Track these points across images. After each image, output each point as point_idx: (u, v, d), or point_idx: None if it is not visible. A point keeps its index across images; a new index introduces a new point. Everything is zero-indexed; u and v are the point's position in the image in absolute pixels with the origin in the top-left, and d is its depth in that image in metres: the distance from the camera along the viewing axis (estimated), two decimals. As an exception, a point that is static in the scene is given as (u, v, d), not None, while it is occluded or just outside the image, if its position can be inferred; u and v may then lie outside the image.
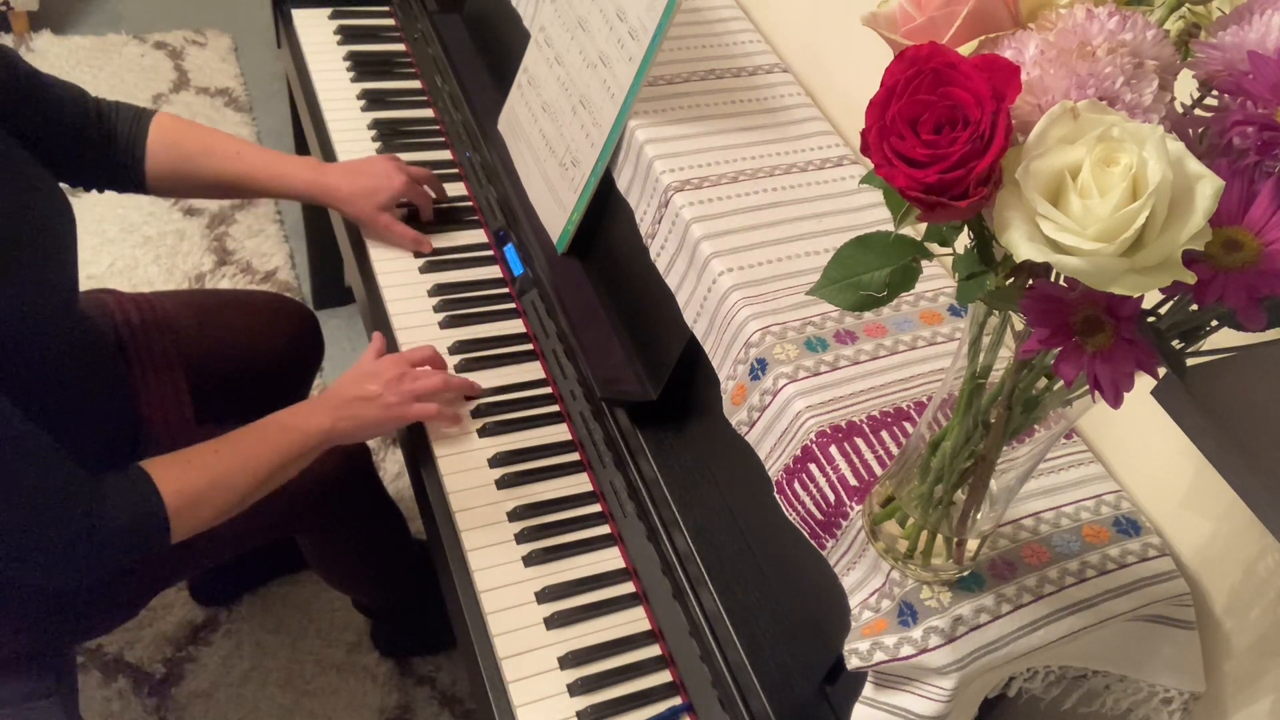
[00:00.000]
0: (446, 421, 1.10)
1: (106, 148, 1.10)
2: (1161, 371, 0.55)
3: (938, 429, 0.69)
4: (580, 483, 1.09)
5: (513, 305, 1.24)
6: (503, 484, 1.07)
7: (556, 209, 1.19)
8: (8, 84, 0.97)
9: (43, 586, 0.98)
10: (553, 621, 0.97)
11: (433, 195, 1.30)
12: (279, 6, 1.58)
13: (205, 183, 1.17)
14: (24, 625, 1.00)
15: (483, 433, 1.11)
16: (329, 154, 1.38)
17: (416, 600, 1.50)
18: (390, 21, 1.59)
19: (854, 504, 0.81)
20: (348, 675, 1.53)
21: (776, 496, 0.87)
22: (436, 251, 1.28)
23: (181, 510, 0.92)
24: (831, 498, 0.82)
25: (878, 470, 0.82)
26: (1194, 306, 0.52)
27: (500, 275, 1.27)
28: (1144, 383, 0.53)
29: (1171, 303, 0.53)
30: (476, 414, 1.12)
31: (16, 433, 0.83)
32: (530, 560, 1.01)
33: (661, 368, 1.05)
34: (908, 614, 0.76)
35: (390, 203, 1.24)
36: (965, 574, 0.77)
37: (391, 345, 1.17)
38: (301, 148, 1.76)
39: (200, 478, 0.94)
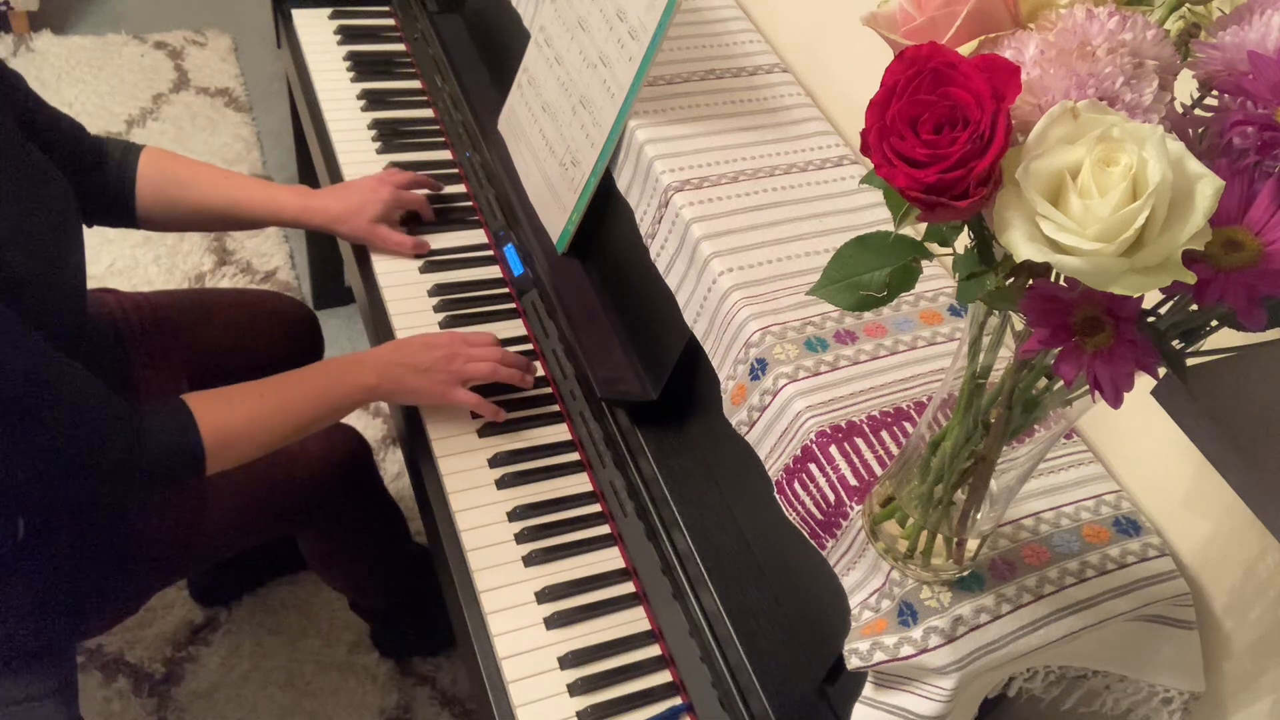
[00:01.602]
0: (488, 413, 1.11)
1: (98, 179, 1.10)
2: (1161, 371, 0.55)
3: (938, 429, 0.69)
4: (580, 483, 1.09)
5: (513, 305, 1.24)
6: (503, 484, 1.07)
7: (556, 209, 1.19)
8: (12, 95, 0.98)
9: (53, 548, 1.00)
10: (553, 621, 0.97)
11: (425, 194, 1.30)
12: (279, 6, 1.58)
13: (194, 210, 1.16)
14: (26, 623, 1.00)
15: (483, 433, 1.11)
16: (329, 154, 1.38)
17: (416, 600, 1.50)
18: (390, 21, 1.59)
19: (854, 504, 0.81)
20: (348, 675, 1.53)
21: (776, 496, 0.87)
22: (436, 252, 1.28)
23: (218, 443, 0.94)
24: (831, 498, 0.82)
25: (878, 470, 0.82)
26: (1194, 306, 0.52)
27: (500, 275, 1.27)
28: (1144, 383, 0.53)
29: (1171, 303, 0.53)
30: (476, 414, 1.12)
31: (60, 360, 0.86)
32: (530, 560, 1.01)
33: (661, 368, 1.05)
34: (908, 614, 0.76)
35: (382, 215, 1.24)
36: (965, 574, 0.77)
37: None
38: (301, 148, 1.76)
39: (240, 417, 0.97)
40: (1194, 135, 0.50)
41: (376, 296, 1.23)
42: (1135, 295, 0.46)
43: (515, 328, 1.22)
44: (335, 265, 1.94)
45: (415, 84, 1.50)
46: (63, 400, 0.86)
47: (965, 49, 0.52)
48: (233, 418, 0.96)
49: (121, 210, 1.13)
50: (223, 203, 1.17)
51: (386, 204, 1.24)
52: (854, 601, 0.80)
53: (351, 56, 1.51)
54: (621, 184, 1.11)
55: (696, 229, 0.99)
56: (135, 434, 0.90)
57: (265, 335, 1.32)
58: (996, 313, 0.59)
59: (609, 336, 1.12)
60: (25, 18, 2.41)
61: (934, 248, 0.59)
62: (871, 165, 0.51)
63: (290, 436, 1.01)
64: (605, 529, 1.05)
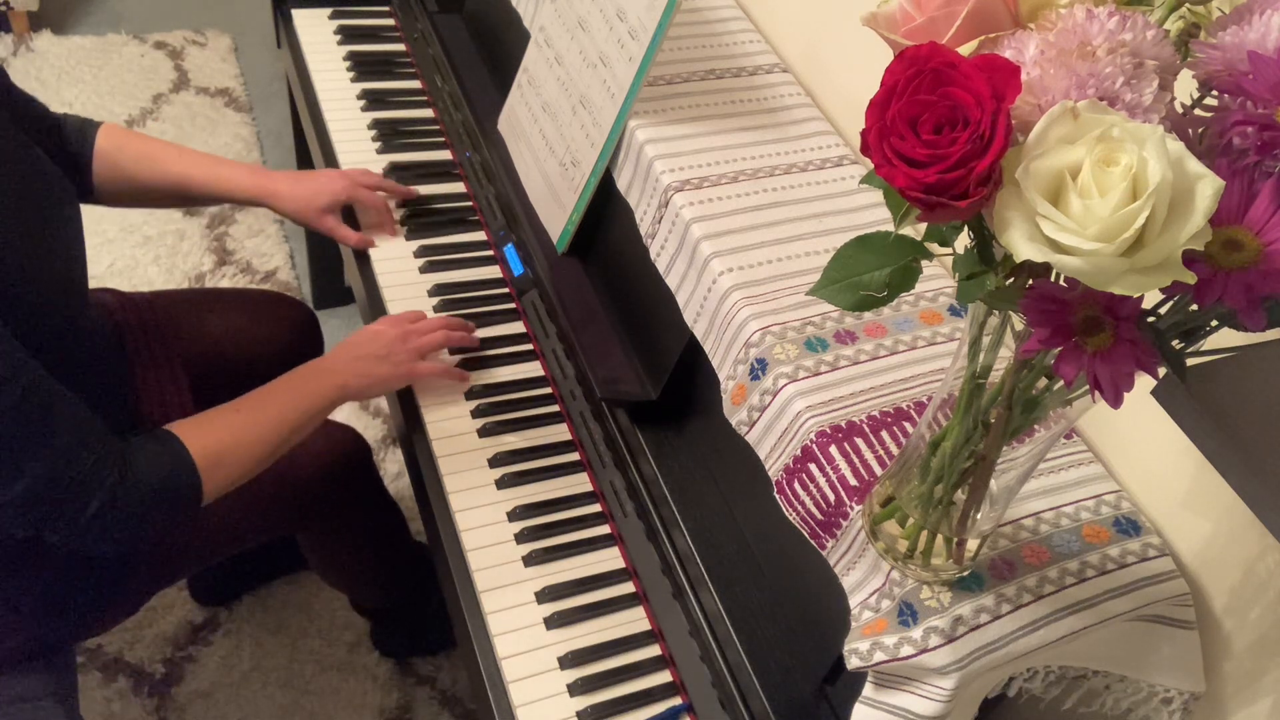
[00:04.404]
0: (454, 378, 1.13)
1: (57, 157, 1.09)
2: (1161, 371, 0.55)
3: (938, 429, 0.69)
4: (580, 483, 1.09)
5: (513, 305, 1.24)
6: (503, 484, 1.07)
7: (556, 209, 1.19)
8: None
9: (77, 554, 0.99)
10: (553, 621, 0.97)
11: (386, 199, 1.29)
12: (279, 6, 1.58)
13: (147, 187, 1.17)
14: (25, 623, 1.00)
15: (483, 433, 1.11)
16: (329, 154, 1.38)
17: (416, 600, 1.50)
18: (390, 21, 1.59)
19: (854, 504, 0.81)
20: (348, 675, 1.53)
21: (776, 496, 0.87)
22: (437, 251, 1.28)
23: (209, 470, 0.94)
24: (831, 498, 0.82)
25: (878, 470, 0.82)
26: (1194, 306, 0.52)
27: (500, 275, 1.27)
28: (1144, 383, 0.53)
29: (1171, 303, 0.53)
30: (477, 414, 1.12)
31: (53, 393, 0.85)
32: (530, 560, 1.01)
33: (661, 368, 1.05)
34: (908, 614, 0.76)
35: (332, 205, 1.24)
36: (965, 574, 0.77)
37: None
38: (301, 148, 1.76)
39: (224, 438, 0.96)
40: (1194, 135, 0.50)
41: (376, 296, 1.23)
42: (1135, 295, 0.46)
43: (515, 328, 1.22)
44: (335, 265, 1.94)
45: (415, 84, 1.50)
46: (58, 431, 0.84)
47: (965, 49, 0.52)
48: (216, 435, 0.96)
49: (78, 187, 1.12)
50: (175, 178, 1.17)
51: (338, 195, 1.24)
52: (854, 601, 0.80)
53: (351, 56, 1.51)
54: (621, 184, 1.11)
55: (696, 229, 0.99)
56: (122, 479, 0.88)
57: (265, 335, 1.32)
58: (996, 313, 0.59)
59: (609, 336, 1.12)
60: (25, 18, 2.41)
61: (934, 248, 0.59)
62: (871, 165, 0.51)
63: (277, 449, 1.01)
64: (605, 529, 1.05)
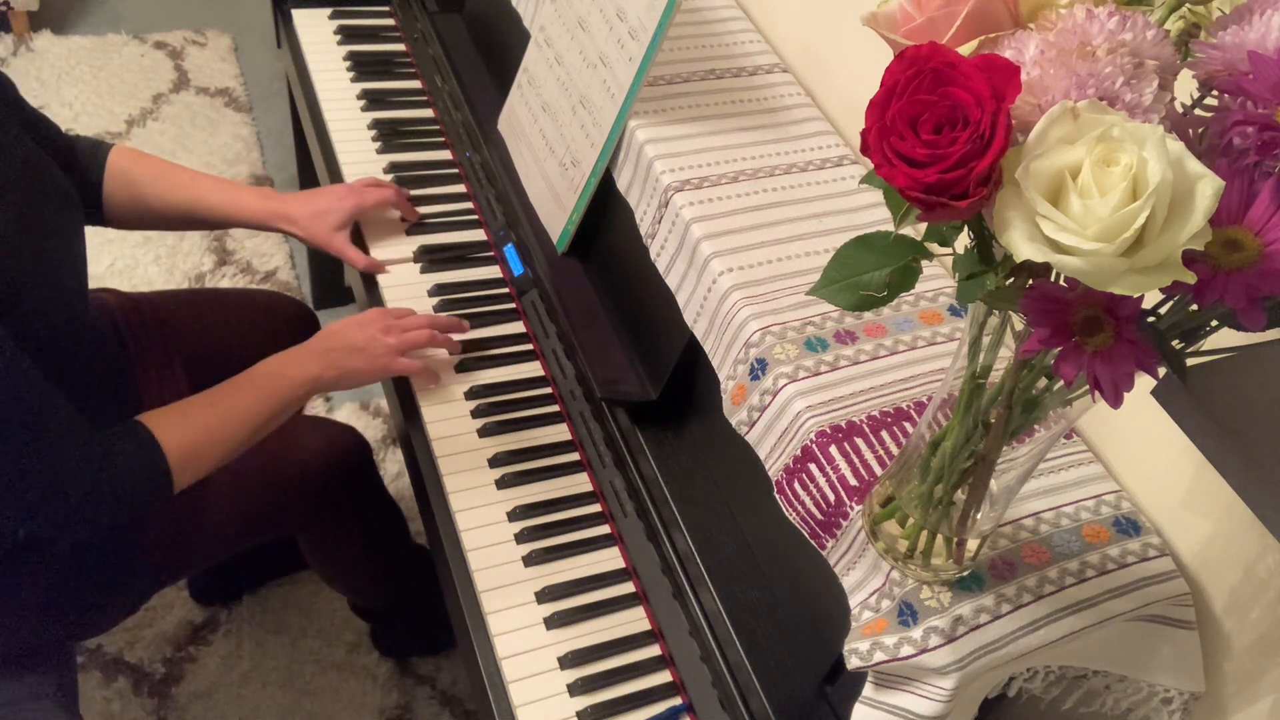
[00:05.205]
0: (428, 378, 1.13)
1: (68, 176, 1.10)
2: (1161, 371, 0.55)
3: (938, 429, 0.69)
4: (580, 483, 1.09)
5: (513, 305, 1.24)
6: (503, 484, 1.07)
7: (556, 209, 1.19)
8: (8, 92, 0.98)
9: (54, 549, 1.00)
10: (553, 621, 0.97)
11: (388, 198, 1.28)
12: (279, 6, 1.58)
13: (157, 210, 1.16)
14: (26, 622, 1.00)
15: (483, 433, 1.11)
16: (329, 154, 1.38)
17: (416, 600, 1.50)
18: (390, 21, 1.59)
19: (854, 504, 0.81)
20: (348, 675, 1.53)
21: (776, 496, 0.87)
22: (436, 250, 1.28)
23: (182, 461, 0.95)
24: (831, 498, 0.82)
25: (878, 470, 0.82)
26: (1194, 306, 0.52)
27: (500, 275, 1.27)
28: (1144, 383, 0.53)
29: (1171, 303, 0.53)
30: (477, 414, 1.12)
31: (41, 390, 0.86)
32: (530, 560, 1.01)
33: (661, 368, 1.05)
34: (908, 614, 0.76)
35: (343, 223, 1.23)
36: (965, 574, 0.77)
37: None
38: (301, 148, 1.76)
39: (197, 430, 0.97)
40: (1194, 135, 0.50)
41: (376, 296, 1.23)
42: (1135, 295, 0.46)
43: (515, 328, 1.22)
44: (335, 265, 1.94)
45: (415, 84, 1.50)
46: (46, 433, 0.86)
47: (965, 49, 0.52)
48: (191, 432, 0.96)
49: (87, 208, 1.13)
50: (185, 202, 1.17)
51: (349, 213, 1.23)
52: (854, 601, 0.80)
53: (351, 56, 1.51)
54: (621, 184, 1.11)
55: (696, 229, 0.99)
56: (100, 473, 0.89)
57: (265, 335, 1.32)
58: (996, 313, 0.59)
59: (609, 336, 1.12)
60: (25, 18, 2.41)
61: (934, 248, 0.59)
62: (871, 165, 0.51)
63: (249, 439, 1.01)
64: (605, 529, 1.05)
